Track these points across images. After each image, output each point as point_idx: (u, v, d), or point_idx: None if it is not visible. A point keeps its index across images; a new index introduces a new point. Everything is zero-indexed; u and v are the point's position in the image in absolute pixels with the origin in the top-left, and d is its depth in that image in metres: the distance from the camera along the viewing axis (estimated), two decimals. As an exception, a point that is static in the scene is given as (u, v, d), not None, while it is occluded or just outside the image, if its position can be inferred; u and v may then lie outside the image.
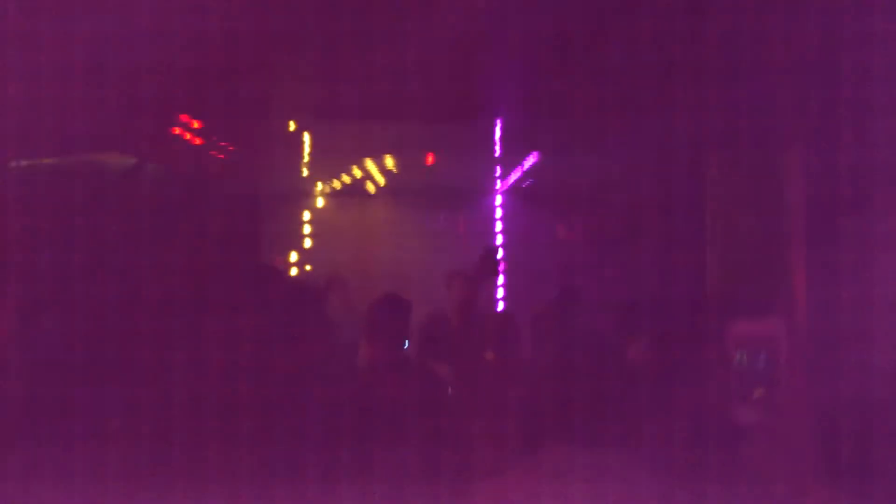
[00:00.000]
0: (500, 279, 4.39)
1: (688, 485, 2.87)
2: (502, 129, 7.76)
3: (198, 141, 5.45)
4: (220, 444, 3.18)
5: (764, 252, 4.72)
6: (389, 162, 9.22)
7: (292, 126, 7.11)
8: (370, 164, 9.38)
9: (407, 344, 4.23)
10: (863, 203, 3.52)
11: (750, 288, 4.53)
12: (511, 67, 5.33)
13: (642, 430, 2.78)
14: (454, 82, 5.16)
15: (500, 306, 7.68)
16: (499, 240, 10.41)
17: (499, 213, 10.54)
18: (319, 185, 10.26)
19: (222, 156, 5.88)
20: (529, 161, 9.02)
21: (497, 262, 4.19)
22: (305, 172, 9.28)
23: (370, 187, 10.33)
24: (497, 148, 8.36)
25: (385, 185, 10.27)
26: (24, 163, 4.53)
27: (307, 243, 10.18)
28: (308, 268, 10.07)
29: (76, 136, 4.49)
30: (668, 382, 3.30)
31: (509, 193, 10.62)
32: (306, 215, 10.27)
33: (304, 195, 10.33)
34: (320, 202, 10.51)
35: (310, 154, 8.68)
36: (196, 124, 5.26)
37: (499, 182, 10.23)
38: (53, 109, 4.08)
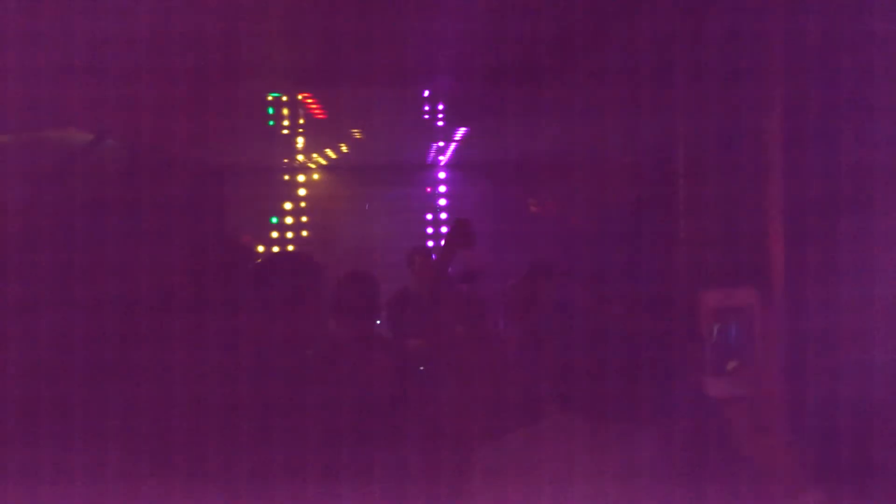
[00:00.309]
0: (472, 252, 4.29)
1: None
2: (448, 100, 7.60)
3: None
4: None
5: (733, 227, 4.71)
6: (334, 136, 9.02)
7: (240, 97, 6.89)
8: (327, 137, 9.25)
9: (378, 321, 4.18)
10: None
11: (722, 260, 4.50)
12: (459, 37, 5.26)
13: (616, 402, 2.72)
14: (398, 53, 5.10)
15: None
16: (443, 215, 10.35)
17: (442, 187, 10.46)
18: (285, 160, 10.14)
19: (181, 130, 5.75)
20: (470, 134, 8.90)
21: (470, 235, 4.08)
22: (265, 146, 9.14)
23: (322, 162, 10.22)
24: (439, 120, 8.24)
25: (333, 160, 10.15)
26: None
27: (271, 219, 10.08)
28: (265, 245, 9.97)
29: (32, 111, 4.37)
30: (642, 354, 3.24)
31: (453, 167, 10.53)
32: (268, 191, 10.16)
33: (265, 170, 10.20)
34: (286, 177, 10.41)
35: (271, 128, 8.50)
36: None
37: (440, 156, 10.14)
38: (8, 84, 3.97)
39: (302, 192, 10.40)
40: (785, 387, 3.87)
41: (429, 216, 10.47)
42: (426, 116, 7.95)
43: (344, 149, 9.53)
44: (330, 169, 10.44)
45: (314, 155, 9.91)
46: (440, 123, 8.32)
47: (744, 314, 4.19)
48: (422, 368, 4.11)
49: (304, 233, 10.25)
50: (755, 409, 4.01)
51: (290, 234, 10.18)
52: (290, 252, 3.26)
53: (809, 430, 3.52)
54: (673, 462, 2.69)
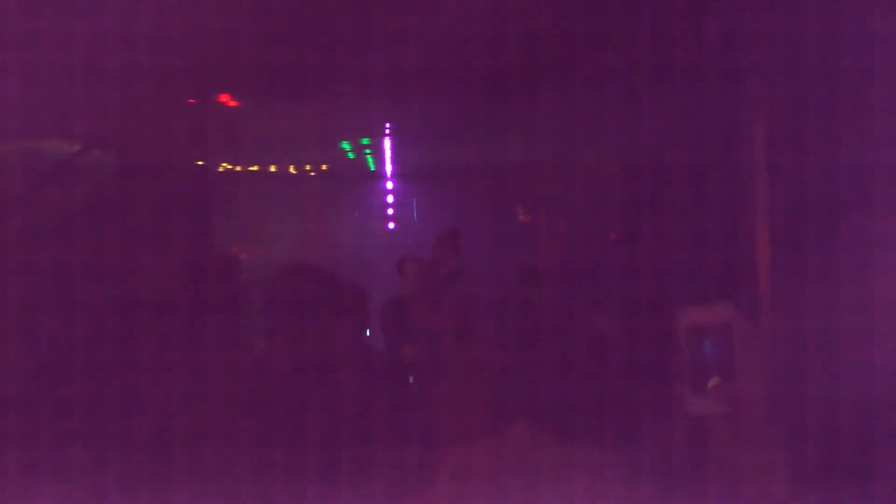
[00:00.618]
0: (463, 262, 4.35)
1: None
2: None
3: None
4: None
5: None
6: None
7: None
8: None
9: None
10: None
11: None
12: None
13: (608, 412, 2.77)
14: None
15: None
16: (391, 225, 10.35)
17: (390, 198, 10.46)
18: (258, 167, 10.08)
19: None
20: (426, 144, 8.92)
21: (459, 245, 4.15)
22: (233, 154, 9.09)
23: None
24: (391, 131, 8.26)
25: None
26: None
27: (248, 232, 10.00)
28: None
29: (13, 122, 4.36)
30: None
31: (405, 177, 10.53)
32: (249, 201, 10.09)
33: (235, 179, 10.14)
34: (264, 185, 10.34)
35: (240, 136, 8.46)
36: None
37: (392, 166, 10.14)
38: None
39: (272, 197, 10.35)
40: (768, 405, 3.91)
41: (391, 225, 10.48)
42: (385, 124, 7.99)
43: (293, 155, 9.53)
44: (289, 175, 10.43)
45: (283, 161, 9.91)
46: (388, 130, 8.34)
47: (725, 330, 4.23)
48: (412, 379, 4.14)
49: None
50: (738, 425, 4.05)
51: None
52: (302, 264, 3.24)
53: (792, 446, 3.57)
54: (656, 474, 2.74)
